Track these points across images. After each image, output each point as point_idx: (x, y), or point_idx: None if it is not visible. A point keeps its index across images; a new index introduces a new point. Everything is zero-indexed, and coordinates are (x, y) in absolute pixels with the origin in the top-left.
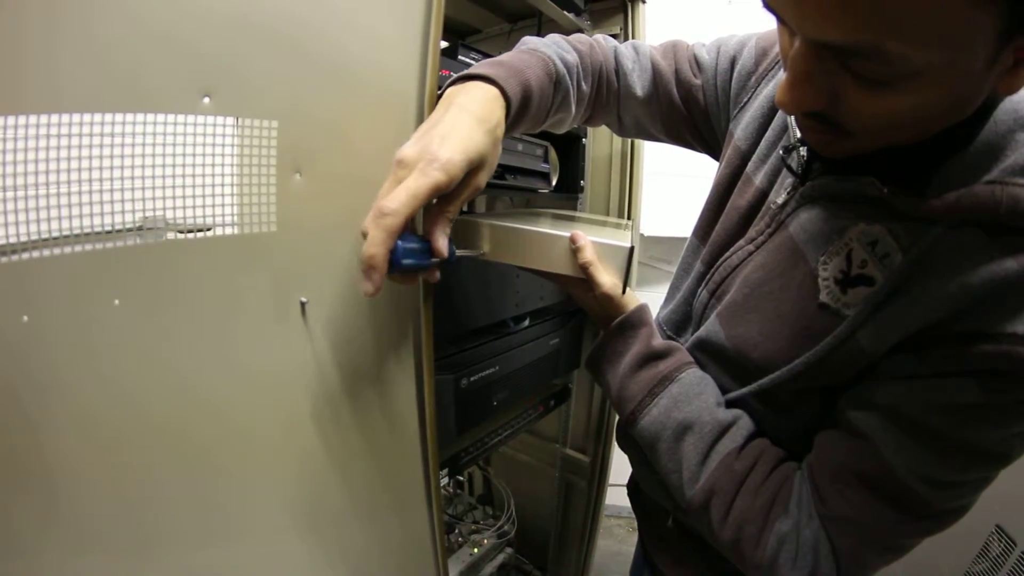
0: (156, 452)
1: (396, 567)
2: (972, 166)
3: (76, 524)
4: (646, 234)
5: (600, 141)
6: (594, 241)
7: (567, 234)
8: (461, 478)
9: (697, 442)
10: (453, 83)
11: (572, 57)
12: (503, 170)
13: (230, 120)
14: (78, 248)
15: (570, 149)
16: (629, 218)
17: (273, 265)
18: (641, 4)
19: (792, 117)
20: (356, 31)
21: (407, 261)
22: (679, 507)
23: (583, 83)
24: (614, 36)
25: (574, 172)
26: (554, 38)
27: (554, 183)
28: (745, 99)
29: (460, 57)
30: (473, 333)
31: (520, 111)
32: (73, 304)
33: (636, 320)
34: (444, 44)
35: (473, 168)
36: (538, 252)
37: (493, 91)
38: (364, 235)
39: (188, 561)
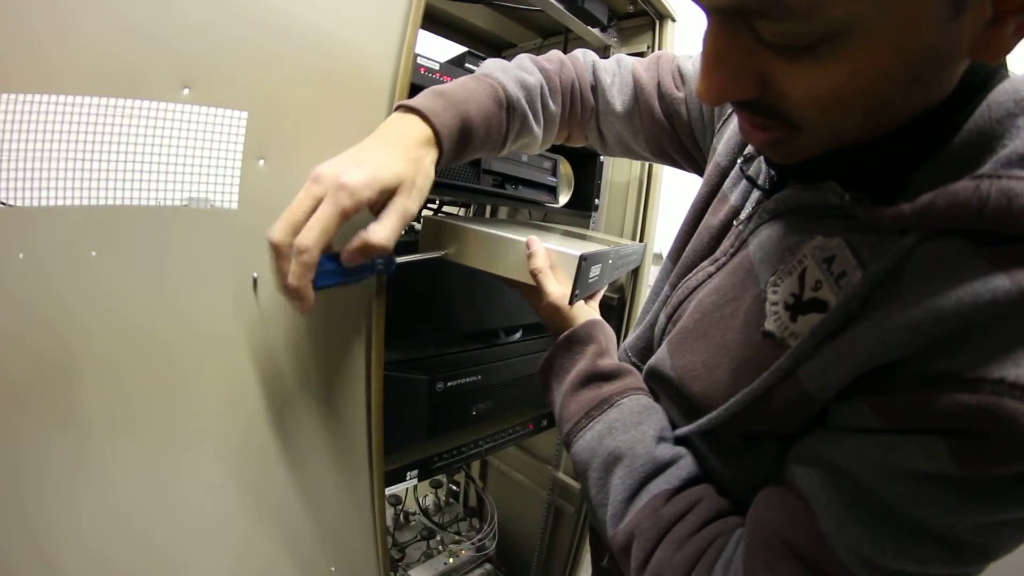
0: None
1: (332, 536)
2: (958, 161)
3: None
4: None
5: (620, 165)
6: (548, 248)
7: (523, 239)
8: (455, 488)
9: (626, 476)
10: (398, 108)
11: (534, 79)
12: (503, 179)
13: (205, 109)
14: (65, 204)
15: (585, 166)
16: (642, 240)
17: (230, 239)
18: (671, 22)
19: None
20: (334, 31)
21: (327, 282)
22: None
23: (550, 103)
24: (640, 54)
25: (589, 189)
26: (519, 60)
27: (565, 199)
28: (729, 111)
29: (467, 65)
30: (459, 337)
31: (460, 142)
32: (57, 250)
33: (584, 335)
34: (463, 50)
35: (391, 191)
36: (495, 256)
37: (423, 128)
38: (272, 245)
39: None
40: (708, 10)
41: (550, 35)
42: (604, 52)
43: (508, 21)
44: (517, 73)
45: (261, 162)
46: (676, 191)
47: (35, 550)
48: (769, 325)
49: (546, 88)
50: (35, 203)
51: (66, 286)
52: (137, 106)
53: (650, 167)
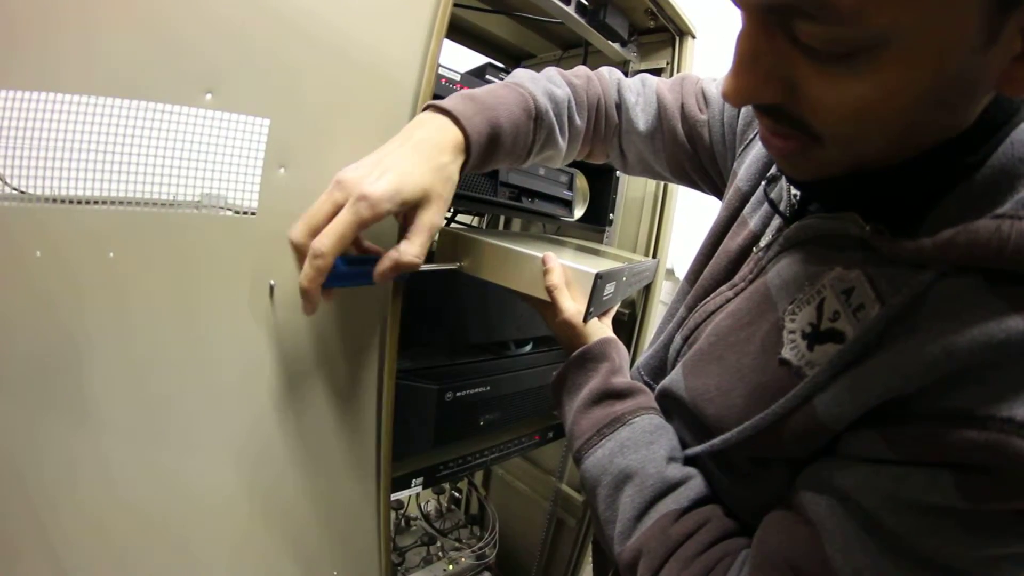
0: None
1: (337, 539)
2: (979, 198)
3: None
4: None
5: (635, 180)
6: (564, 264)
7: (540, 255)
8: (458, 494)
9: (635, 495)
10: (427, 108)
11: (562, 92)
12: (519, 192)
13: (227, 115)
14: (84, 205)
15: (601, 180)
16: (655, 256)
17: (249, 246)
18: (691, 39)
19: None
20: (358, 39)
21: (341, 283)
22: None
23: (576, 117)
24: (660, 70)
25: (604, 204)
26: (548, 72)
27: (580, 213)
28: (751, 136)
29: (488, 76)
30: (470, 348)
31: (488, 148)
32: (75, 250)
33: (598, 353)
34: (483, 60)
35: (416, 204)
36: (511, 270)
37: (453, 131)
38: (291, 245)
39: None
40: (748, 8)
41: (570, 48)
42: (623, 67)
43: (529, 32)
44: (546, 85)
45: (282, 170)
46: (691, 208)
47: (38, 528)
48: (786, 353)
49: (573, 103)
50: (55, 202)
51: (83, 285)
52: (159, 109)
53: (665, 183)
